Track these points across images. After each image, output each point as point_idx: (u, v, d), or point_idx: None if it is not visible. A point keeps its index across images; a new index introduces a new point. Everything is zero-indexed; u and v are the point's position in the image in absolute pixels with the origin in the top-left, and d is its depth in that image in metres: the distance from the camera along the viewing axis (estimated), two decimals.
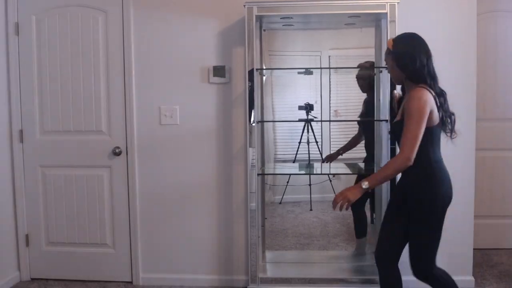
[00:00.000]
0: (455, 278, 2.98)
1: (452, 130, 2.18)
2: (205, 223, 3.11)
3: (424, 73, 2.08)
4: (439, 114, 2.08)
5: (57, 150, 3.17)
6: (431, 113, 2.03)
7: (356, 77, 3.04)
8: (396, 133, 2.18)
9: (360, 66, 3.02)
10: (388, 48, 2.19)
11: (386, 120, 2.72)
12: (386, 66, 2.29)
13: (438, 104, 2.07)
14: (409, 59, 2.09)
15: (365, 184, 2.07)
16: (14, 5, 3.09)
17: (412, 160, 2.00)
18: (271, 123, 3.19)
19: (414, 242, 2.18)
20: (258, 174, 2.85)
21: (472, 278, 3.01)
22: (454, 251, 2.98)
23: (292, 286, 2.93)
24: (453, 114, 2.18)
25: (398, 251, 2.24)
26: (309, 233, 3.22)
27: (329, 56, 3.09)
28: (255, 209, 2.83)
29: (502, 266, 3.34)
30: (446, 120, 2.13)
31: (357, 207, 3.06)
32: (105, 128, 3.12)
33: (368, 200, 3.10)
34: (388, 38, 2.66)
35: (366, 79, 3.03)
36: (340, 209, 2.10)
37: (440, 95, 2.11)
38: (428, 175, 2.09)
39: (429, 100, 2.03)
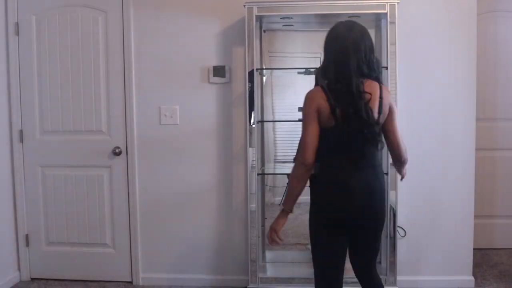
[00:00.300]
0: (455, 278, 3.02)
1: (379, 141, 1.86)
2: (205, 223, 3.11)
3: (324, 73, 1.84)
4: (334, 117, 1.79)
5: (57, 150, 3.16)
6: (319, 114, 1.81)
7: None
8: None
9: None
10: None
11: None
12: None
13: (333, 105, 1.79)
14: (325, 52, 1.88)
15: (280, 208, 1.93)
16: (14, 5, 3.09)
17: (308, 162, 1.82)
18: (271, 124, 3.18)
19: None
20: (258, 174, 2.86)
21: (472, 278, 3.01)
22: (454, 251, 2.99)
23: (292, 286, 2.93)
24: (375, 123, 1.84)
25: (355, 264, 2.12)
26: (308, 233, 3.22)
27: None
28: (255, 209, 2.83)
29: (502, 266, 3.34)
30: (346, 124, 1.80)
31: None
32: (105, 128, 3.12)
33: None
34: (389, 38, 2.66)
35: None
36: (272, 242, 1.97)
37: (344, 97, 1.80)
38: (311, 181, 1.92)
39: (315, 100, 1.82)
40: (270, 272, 3.00)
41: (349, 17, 2.80)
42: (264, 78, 3.07)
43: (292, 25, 2.99)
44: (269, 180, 3.20)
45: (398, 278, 2.86)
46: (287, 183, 1.91)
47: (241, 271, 3.08)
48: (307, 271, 2.97)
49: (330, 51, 1.86)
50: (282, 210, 1.93)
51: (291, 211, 1.92)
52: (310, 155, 1.82)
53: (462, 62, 2.91)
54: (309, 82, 3.10)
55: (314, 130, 1.82)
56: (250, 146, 2.82)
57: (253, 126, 2.81)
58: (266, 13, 2.75)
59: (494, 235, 3.65)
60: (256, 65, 2.79)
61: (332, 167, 1.87)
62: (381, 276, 2.82)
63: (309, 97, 1.85)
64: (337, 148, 1.86)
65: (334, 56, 1.84)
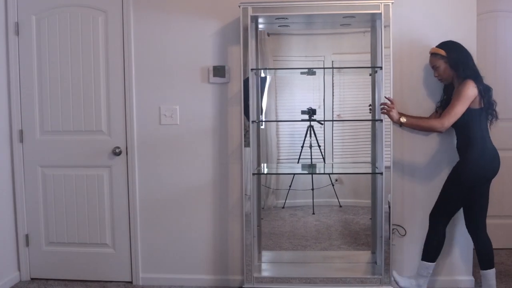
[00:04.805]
0: (455, 278, 3.02)
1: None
2: (203, 223, 3.11)
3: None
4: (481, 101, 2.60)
5: (57, 150, 3.17)
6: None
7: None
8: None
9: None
10: (438, 54, 2.68)
11: (381, 120, 2.72)
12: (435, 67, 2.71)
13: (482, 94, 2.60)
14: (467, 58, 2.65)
15: (403, 119, 2.62)
16: (14, 5, 3.09)
17: (444, 128, 2.59)
18: (274, 125, 3.19)
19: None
20: (253, 174, 2.85)
21: (472, 278, 3.01)
22: (454, 251, 2.99)
23: (288, 285, 2.91)
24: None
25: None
26: (311, 236, 3.22)
27: (332, 61, 3.09)
28: (250, 209, 2.83)
29: (502, 266, 3.34)
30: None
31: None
32: (105, 128, 3.12)
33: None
34: (383, 38, 2.67)
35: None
36: (382, 111, 2.64)
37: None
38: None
39: (475, 88, 2.60)
40: (266, 272, 2.99)
41: (344, 17, 2.81)
42: (268, 79, 3.08)
43: (288, 26, 2.99)
44: (272, 182, 3.21)
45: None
46: (420, 120, 2.72)
47: (237, 271, 3.08)
48: (303, 271, 2.97)
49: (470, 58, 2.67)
50: (402, 121, 2.63)
51: (404, 123, 2.64)
52: (450, 124, 2.58)
53: None
54: (312, 83, 3.11)
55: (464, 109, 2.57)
56: (246, 146, 2.82)
57: (250, 126, 2.81)
58: (261, 13, 2.75)
59: (494, 235, 3.62)
60: (252, 65, 2.80)
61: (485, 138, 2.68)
62: (376, 276, 2.84)
63: (472, 84, 2.58)
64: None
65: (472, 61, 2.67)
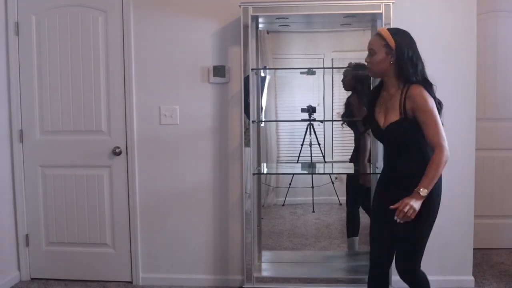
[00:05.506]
0: (455, 278, 3.02)
1: None
2: (203, 223, 3.11)
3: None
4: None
5: (57, 150, 3.16)
6: None
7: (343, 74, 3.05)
8: (396, 134, 2.10)
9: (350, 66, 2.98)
10: (385, 39, 2.08)
11: None
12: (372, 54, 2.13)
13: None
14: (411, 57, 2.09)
15: (423, 191, 1.99)
16: (14, 5, 3.09)
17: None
18: (274, 125, 3.19)
19: (408, 239, 2.13)
20: (253, 174, 2.85)
21: (472, 278, 3.01)
22: (454, 251, 2.99)
23: (288, 285, 2.92)
24: None
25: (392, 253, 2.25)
26: (311, 234, 3.23)
27: (332, 59, 3.10)
28: (250, 209, 2.83)
29: (502, 266, 3.34)
30: None
31: (351, 206, 3.11)
32: (105, 128, 3.12)
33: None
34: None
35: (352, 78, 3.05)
36: (403, 217, 1.98)
37: None
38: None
39: None
40: (266, 272, 3.00)
41: (344, 17, 2.81)
42: (268, 78, 3.08)
43: (288, 25, 2.99)
44: (272, 180, 3.21)
45: (398, 278, 2.85)
46: (431, 171, 2.02)
47: (238, 271, 3.08)
48: (303, 270, 2.97)
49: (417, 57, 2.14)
50: (423, 194, 2.00)
51: (428, 191, 2.02)
52: (445, 139, 2.06)
53: (462, 62, 2.90)
54: (312, 82, 3.11)
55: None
56: (246, 146, 2.82)
57: (250, 125, 2.81)
58: (261, 13, 2.75)
59: (494, 235, 3.65)
60: (252, 64, 2.80)
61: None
62: None
63: (424, 90, 2.05)
64: None
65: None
